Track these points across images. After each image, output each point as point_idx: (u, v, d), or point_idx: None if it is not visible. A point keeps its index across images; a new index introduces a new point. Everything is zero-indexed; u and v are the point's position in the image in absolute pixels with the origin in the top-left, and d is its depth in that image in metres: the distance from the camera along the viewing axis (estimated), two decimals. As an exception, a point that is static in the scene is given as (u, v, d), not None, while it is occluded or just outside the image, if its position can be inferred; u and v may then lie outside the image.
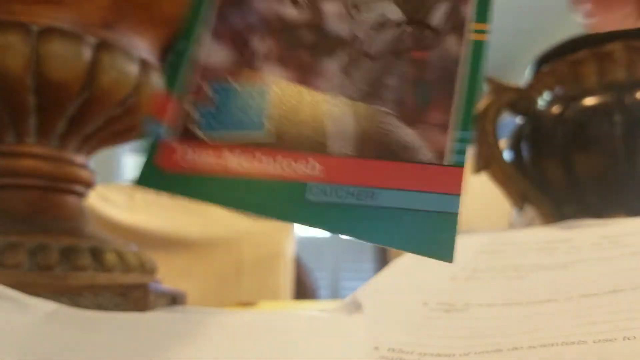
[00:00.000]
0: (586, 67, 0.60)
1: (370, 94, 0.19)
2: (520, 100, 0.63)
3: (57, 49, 0.42)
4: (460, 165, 0.19)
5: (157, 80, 0.48)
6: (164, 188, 0.19)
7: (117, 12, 0.44)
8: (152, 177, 0.18)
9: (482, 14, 0.20)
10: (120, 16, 0.45)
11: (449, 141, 0.19)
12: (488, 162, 0.62)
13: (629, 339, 0.24)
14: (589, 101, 0.58)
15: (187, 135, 0.19)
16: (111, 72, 0.44)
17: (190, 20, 0.20)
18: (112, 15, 0.44)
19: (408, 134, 0.19)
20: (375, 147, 0.19)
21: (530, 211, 0.64)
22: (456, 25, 0.20)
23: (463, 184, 0.19)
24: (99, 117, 0.46)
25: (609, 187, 0.57)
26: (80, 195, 0.48)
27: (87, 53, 0.43)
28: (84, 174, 0.47)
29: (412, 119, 0.19)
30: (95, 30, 0.44)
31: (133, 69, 0.45)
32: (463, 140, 0.19)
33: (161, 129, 0.19)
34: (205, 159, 0.18)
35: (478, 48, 0.20)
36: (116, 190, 1.05)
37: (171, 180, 0.18)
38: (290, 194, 0.18)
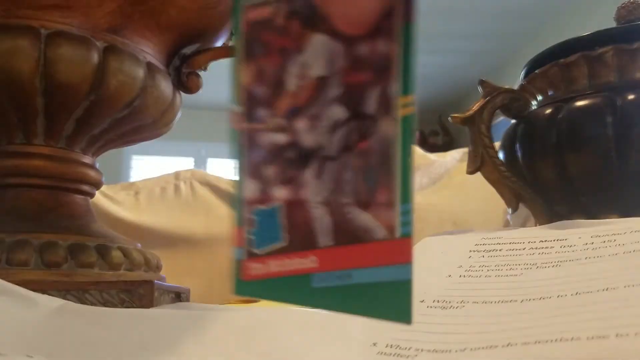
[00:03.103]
0: (578, 70, 0.60)
1: (336, 190, 0.22)
2: (513, 103, 0.64)
3: (65, 52, 0.42)
4: (407, 236, 0.21)
5: (162, 83, 0.49)
6: (247, 293, 0.24)
7: (124, 17, 0.45)
8: (239, 287, 0.24)
9: (407, 86, 0.22)
10: (127, 21, 0.45)
11: (396, 216, 0.21)
12: (483, 162, 0.63)
13: (621, 335, 0.24)
14: (581, 103, 0.59)
15: (252, 254, 0.23)
16: (118, 75, 0.45)
17: (235, 165, 0.24)
18: (119, 20, 0.45)
19: (366, 218, 0.22)
20: (346, 235, 0.22)
21: (524, 211, 0.65)
22: (387, 106, 0.22)
23: (412, 252, 0.21)
24: (106, 118, 0.47)
25: (601, 187, 0.58)
26: (87, 194, 0.49)
27: (94, 56, 0.44)
28: (91, 173, 0.48)
29: (366, 203, 0.22)
30: (103, 34, 0.45)
31: (139, 72, 0.46)
32: (406, 213, 0.21)
33: (240, 252, 0.24)
34: (261, 269, 0.23)
35: (407, 122, 0.21)
36: (122, 190, 1.04)
37: (249, 287, 0.24)
38: (302, 284, 0.22)
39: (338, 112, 0.23)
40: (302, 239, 0.23)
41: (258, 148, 0.24)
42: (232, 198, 0.24)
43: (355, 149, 0.22)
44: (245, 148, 0.24)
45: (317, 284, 0.22)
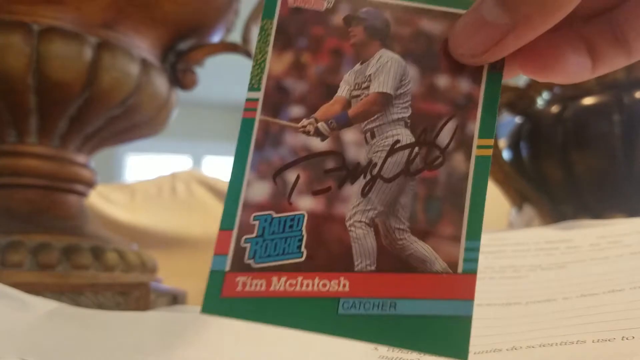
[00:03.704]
0: (585, 67, 0.59)
1: (387, 212, 0.21)
2: (519, 100, 0.63)
3: (58, 48, 0.42)
4: (472, 272, 0.21)
5: (157, 80, 0.48)
6: (226, 313, 0.21)
7: (117, 12, 0.44)
8: (216, 305, 0.20)
9: (487, 130, 0.22)
10: (121, 16, 0.45)
11: (461, 251, 0.21)
12: (487, 161, 0.62)
13: (627, 338, 0.24)
14: (588, 101, 0.58)
15: (243, 267, 0.21)
16: (112, 71, 0.44)
17: (236, 162, 0.22)
18: (113, 15, 0.44)
19: (423, 247, 0.21)
20: (394, 261, 0.21)
21: (529, 210, 0.64)
22: (462, 143, 0.22)
23: (474, 289, 0.20)
24: (100, 116, 0.46)
25: (608, 187, 0.57)
26: (81, 194, 0.48)
27: (88, 53, 0.43)
28: (85, 173, 0.47)
29: (425, 233, 0.21)
30: (96, 30, 0.44)
31: (134, 68, 0.45)
32: (473, 250, 0.21)
33: (224, 264, 0.21)
34: (257, 286, 0.21)
35: (483, 163, 0.22)
36: (117, 190, 1.04)
37: (231, 306, 0.20)
38: (324, 309, 0.20)
39: (402, 134, 0.22)
40: (331, 258, 0.21)
41: (278, 147, 0.22)
42: (227, 196, 0.22)
43: (417, 176, 0.22)
44: (259, 143, 0.22)
45: (346, 311, 0.20)
